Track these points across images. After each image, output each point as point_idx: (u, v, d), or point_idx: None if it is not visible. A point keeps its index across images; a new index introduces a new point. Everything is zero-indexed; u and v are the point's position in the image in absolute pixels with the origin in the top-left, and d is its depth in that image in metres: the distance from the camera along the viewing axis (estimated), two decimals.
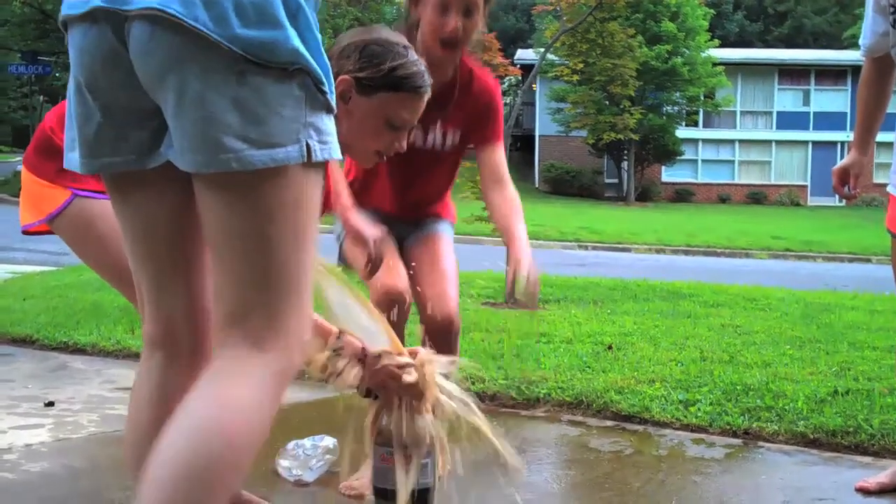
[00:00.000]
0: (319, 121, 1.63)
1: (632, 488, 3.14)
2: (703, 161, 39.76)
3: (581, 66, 26.74)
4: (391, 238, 3.11)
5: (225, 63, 1.52)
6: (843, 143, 38.14)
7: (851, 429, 3.62)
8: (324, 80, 1.62)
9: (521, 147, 39.17)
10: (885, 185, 3.28)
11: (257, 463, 3.05)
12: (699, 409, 3.93)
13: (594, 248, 19.64)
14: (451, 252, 3.28)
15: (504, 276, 3.23)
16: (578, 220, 24.63)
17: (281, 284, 1.62)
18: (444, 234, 3.31)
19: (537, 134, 38.90)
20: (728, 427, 3.77)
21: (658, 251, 19.72)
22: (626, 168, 36.06)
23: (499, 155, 3.19)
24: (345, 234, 2.93)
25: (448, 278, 3.16)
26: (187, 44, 1.51)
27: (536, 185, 37.57)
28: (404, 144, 2.50)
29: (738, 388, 4.20)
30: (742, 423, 3.77)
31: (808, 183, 38.93)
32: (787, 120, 39.59)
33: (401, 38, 2.55)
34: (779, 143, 39.53)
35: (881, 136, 3.51)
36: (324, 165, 1.66)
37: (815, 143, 39.13)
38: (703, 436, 3.74)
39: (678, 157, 36.93)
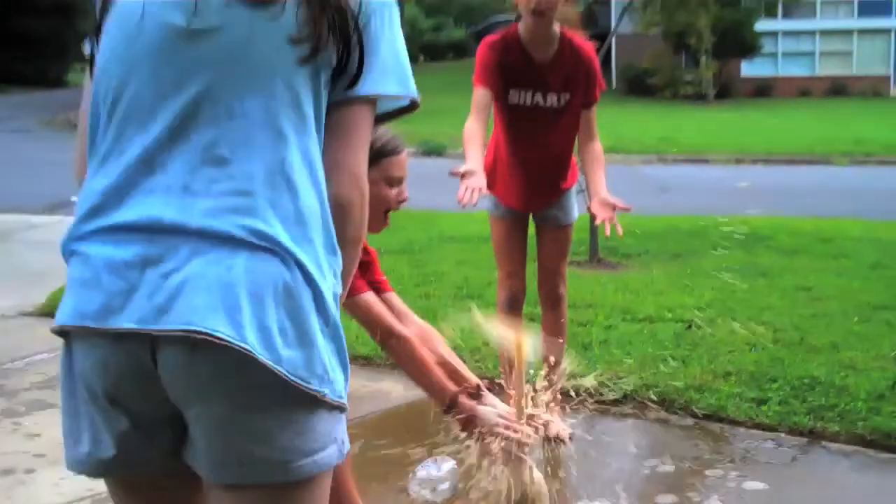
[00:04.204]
0: (343, 416, 1.64)
1: (709, 494, 3.71)
2: (783, 54, 39.27)
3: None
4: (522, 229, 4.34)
5: (268, 382, 1.49)
6: None
7: None
8: (343, 393, 1.62)
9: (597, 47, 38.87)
10: None
11: (391, 484, 3.68)
12: (769, 408, 4.44)
13: (674, 162, 19.88)
14: (572, 235, 4.44)
15: (588, 223, 4.19)
16: (658, 126, 24.76)
17: None
18: (572, 223, 4.38)
19: (613, 24, 38.62)
20: (795, 427, 4.28)
21: (738, 161, 19.91)
22: (704, 63, 35.73)
23: (594, 113, 4.15)
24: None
25: (563, 262, 4.39)
26: (232, 364, 1.47)
27: (613, 86, 37.42)
28: (405, 193, 2.99)
29: (805, 382, 4.69)
30: (807, 423, 4.28)
31: (892, 73, 38.27)
32: (870, 7, 38.78)
33: None
34: (861, 32, 38.78)
35: None
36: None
37: None
38: (772, 435, 4.27)
39: (758, 51, 36.58)
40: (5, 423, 4.47)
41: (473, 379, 2.99)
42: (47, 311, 6.50)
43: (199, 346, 1.46)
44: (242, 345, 1.45)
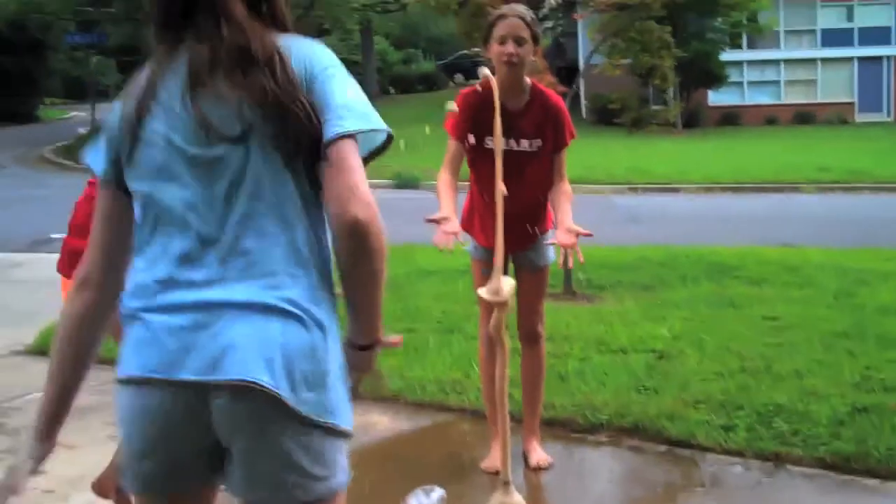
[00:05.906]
0: (346, 446, 2.01)
1: None
2: (749, 83, 39.91)
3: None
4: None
5: (296, 419, 1.87)
6: (888, 57, 38.21)
7: (863, 454, 4.38)
8: (351, 422, 2.00)
9: (565, 78, 39.25)
10: None
11: None
12: (737, 434, 4.70)
13: (644, 192, 20.24)
14: (548, 276, 4.66)
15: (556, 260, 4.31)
16: (627, 157, 25.12)
17: None
18: (548, 264, 4.58)
19: (581, 65, 39.12)
20: (761, 452, 4.54)
21: (707, 190, 20.28)
22: (671, 95, 36.21)
23: (564, 156, 4.41)
24: None
25: (540, 302, 4.62)
26: (269, 406, 1.85)
27: (583, 116, 37.83)
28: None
29: (770, 409, 4.95)
30: (773, 448, 4.54)
31: (856, 100, 38.97)
32: (832, 37, 39.48)
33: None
34: (824, 61, 39.48)
35: None
36: None
37: (860, 59, 39.07)
38: (739, 460, 4.53)
39: (724, 81, 37.14)
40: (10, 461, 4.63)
41: None
42: (38, 350, 6.69)
43: (242, 391, 1.85)
44: (277, 391, 1.86)
